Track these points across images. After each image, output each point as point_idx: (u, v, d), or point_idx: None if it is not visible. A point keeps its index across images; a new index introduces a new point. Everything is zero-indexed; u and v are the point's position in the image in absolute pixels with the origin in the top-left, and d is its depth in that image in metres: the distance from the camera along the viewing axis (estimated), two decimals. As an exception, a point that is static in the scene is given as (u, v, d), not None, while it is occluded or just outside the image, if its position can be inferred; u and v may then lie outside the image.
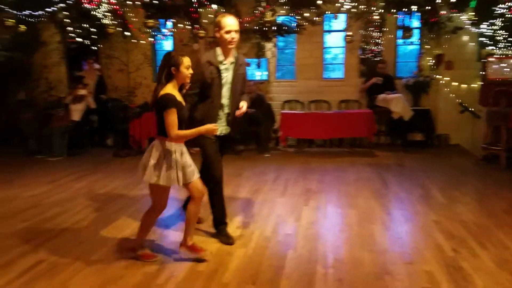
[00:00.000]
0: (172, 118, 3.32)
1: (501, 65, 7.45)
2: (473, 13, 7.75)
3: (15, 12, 8.61)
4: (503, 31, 7.39)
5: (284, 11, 8.85)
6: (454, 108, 8.67)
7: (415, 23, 8.66)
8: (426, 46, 8.86)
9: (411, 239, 4.13)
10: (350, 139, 8.93)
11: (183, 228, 3.69)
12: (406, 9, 8.13)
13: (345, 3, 8.36)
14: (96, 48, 9.61)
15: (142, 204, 5.11)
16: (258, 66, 9.33)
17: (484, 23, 7.59)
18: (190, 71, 3.46)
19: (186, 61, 3.42)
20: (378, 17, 8.41)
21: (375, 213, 4.82)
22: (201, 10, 8.72)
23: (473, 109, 8.37)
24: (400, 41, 9.06)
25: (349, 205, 5.11)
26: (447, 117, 8.81)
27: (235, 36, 3.85)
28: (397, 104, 8.24)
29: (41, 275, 3.39)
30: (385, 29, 8.72)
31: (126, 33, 9.12)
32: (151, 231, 3.95)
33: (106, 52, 9.82)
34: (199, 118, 3.80)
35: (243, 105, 3.97)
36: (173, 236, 4.18)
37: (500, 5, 7.26)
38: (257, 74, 9.60)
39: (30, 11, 8.61)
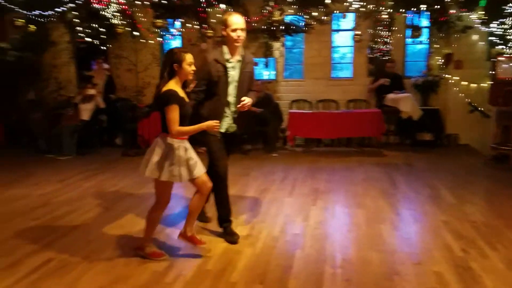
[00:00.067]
0: (174, 114, 3.33)
1: (511, 64, 7.38)
2: (483, 12, 7.70)
3: (25, 12, 8.71)
4: (513, 30, 7.35)
5: (292, 11, 8.84)
6: (463, 107, 8.61)
7: (424, 22, 8.62)
8: (435, 45, 8.82)
9: (419, 239, 4.11)
10: (358, 139, 8.91)
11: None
12: (415, 8, 8.09)
13: (353, 2, 8.34)
14: (105, 48, 9.67)
15: (150, 202, 5.06)
16: (266, 65, 9.33)
17: (494, 22, 7.55)
18: (193, 67, 3.47)
19: (189, 57, 3.43)
20: (387, 16, 8.38)
21: (383, 213, 4.80)
22: (209, 10, 8.74)
23: (482, 109, 8.31)
24: (409, 40, 9.02)
25: (357, 205, 5.10)
26: (457, 116, 8.76)
27: (242, 34, 3.87)
28: (406, 103, 8.20)
29: (51, 273, 3.42)
30: (394, 28, 8.68)
31: (135, 33, 9.16)
32: (159, 230, 3.98)
33: (115, 52, 9.88)
34: (206, 115, 3.81)
35: (246, 99, 3.92)
36: (181, 235, 4.20)
37: (510, 4, 7.21)
38: (265, 73, 9.60)
39: (40, 11, 8.69)
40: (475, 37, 8.38)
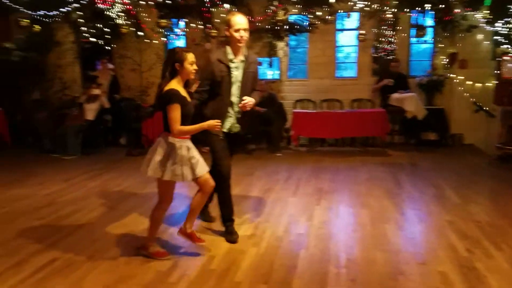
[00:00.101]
0: (175, 113, 3.34)
1: (516, 63, 7.36)
2: (488, 11, 7.67)
3: (29, 12, 8.74)
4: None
5: (296, 10, 8.84)
6: (468, 107, 8.58)
7: (429, 21, 8.59)
8: (439, 45, 8.78)
9: (424, 239, 4.10)
10: (362, 139, 8.89)
11: (195, 226, 3.71)
12: (419, 8, 8.07)
13: (358, 1, 8.33)
14: (109, 48, 9.69)
15: (154, 202, 5.08)
16: (270, 65, 9.33)
17: (499, 21, 7.51)
18: (194, 67, 3.47)
19: (190, 57, 3.44)
20: (391, 15, 8.36)
21: (388, 212, 4.79)
22: (213, 9, 8.75)
23: (487, 108, 8.27)
24: (413, 39, 8.98)
25: (361, 205, 5.09)
26: (461, 116, 8.73)
27: (245, 34, 3.87)
28: (411, 103, 8.17)
29: (56, 272, 3.43)
30: (398, 27, 8.66)
31: (139, 33, 9.19)
32: (162, 229, 3.98)
33: (120, 52, 9.89)
34: (209, 115, 3.81)
35: (247, 98, 3.92)
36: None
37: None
38: (269, 73, 9.60)
39: (45, 11, 8.72)
40: (480, 36, 8.34)
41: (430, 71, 8.89)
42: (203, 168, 3.54)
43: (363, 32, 8.55)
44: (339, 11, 8.78)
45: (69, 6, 8.58)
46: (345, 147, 8.89)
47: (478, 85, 8.43)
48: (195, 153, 3.51)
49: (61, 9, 8.66)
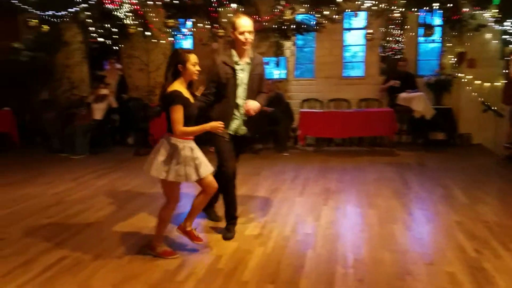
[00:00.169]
0: (178, 114, 3.35)
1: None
2: (497, 10, 7.61)
3: (38, 12, 8.80)
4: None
5: (303, 9, 8.83)
6: (476, 107, 8.52)
7: (437, 20, 8.55)
8: (448, 44, 8.74)
9: (432, 240, 4.08)
10: (370, 138, 8.86)
11: (202, 225, 3.71)
12: (427, 7, 8.04)
13: (365, 1, 8.30)
14: (117, 48, 9.74)
15: (161, 201, 5.10)
16: (277, 64, 9.33)
17: (507, 20, 7.45)
18: (197, 67, 3.47)
19: (193, 58, 3.44)
20: (399, 14, 8.33)
21: (395, 213, 4.77)
22: (220, 9, 8.76)
23: (496, 108, 8.21)
24: (421, 39, 8.95)
25: (369, 205, 5.07)
26: (469, 116, 8.68)
27: (249, 37, 3.87)
28: (419, 102, 8.14)
29: (64, 271, 3.45)
30: (406, 26, 8.63)
31: (146, 33, 9.22)
32: (170, 229, 4.00)
33: (127, 51, 9.94)
34: (215, 117, 3.81)
35: (250, 102, 3.91)
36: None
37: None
38: (276, 72, 9.60)
39: (53, 12, 8.77)
40: (488, 35, 8.30)
41: (438, 70, 8.85)
42: (207, 169, 3.54)
43: (371, 31, 8.53)
44: (347, 10, 8.76)
45: (77, 6, 8.64)
46: (352, 146, 8.87)
47: (487, 84, 8.38)
48: (199, 153, 3.52)
49: (69, 9, 8.72)
